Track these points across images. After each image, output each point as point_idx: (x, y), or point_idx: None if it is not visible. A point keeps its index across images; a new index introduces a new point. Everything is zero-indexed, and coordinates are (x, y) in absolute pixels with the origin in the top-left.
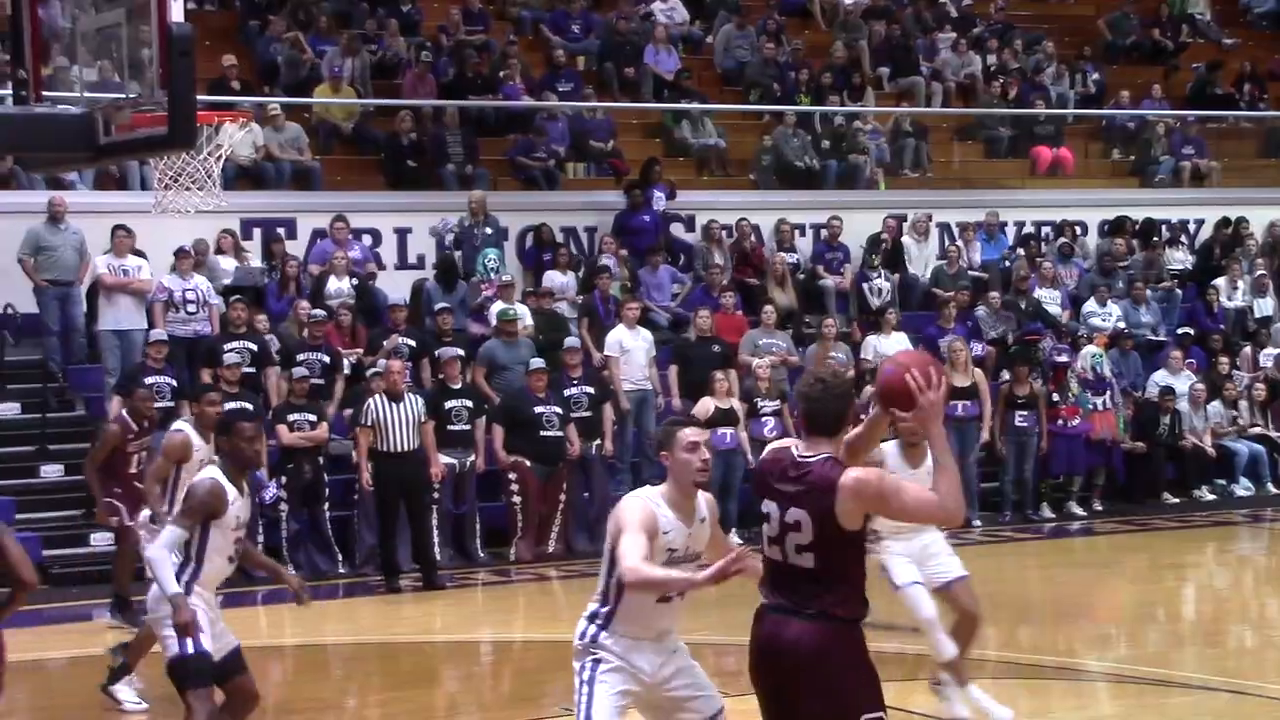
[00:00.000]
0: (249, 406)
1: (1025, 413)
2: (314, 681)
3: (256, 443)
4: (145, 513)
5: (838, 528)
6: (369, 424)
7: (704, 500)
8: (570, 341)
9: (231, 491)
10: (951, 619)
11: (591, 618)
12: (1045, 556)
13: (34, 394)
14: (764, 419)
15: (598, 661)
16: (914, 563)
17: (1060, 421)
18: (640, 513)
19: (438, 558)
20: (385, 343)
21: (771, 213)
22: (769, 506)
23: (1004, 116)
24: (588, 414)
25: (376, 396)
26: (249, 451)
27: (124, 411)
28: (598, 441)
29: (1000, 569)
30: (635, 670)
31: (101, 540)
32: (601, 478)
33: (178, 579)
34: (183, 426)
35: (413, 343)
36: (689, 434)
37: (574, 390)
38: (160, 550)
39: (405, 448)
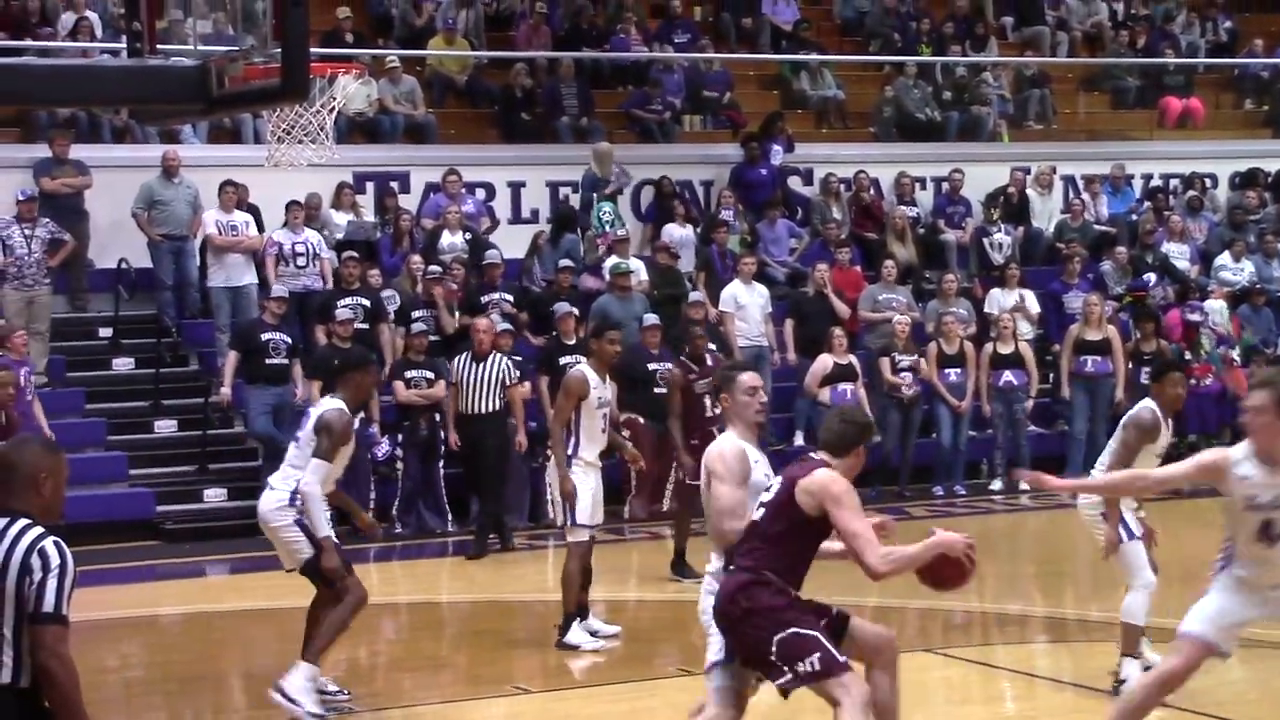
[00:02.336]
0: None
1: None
2: (429, 639)
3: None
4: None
5: (794, 502)
6: (452, 383)
7: None
8: (695, 296)
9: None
10: None
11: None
12: (1171, 518)
13: (148, 349)
14: (902, 374)
15: None
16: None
17: (1194, 381)
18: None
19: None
20: (484, 299)
21: (892, 166)
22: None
23: (1132, 66)
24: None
25: (461, 356)
26: (366, 394)
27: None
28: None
29: None
30: None
31: (215, 497)
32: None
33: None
34: (582, 366)
35: (510, 298)
36: (748, 378)
37: (655, 366)
38: (314, 487)
39: (486, 409)
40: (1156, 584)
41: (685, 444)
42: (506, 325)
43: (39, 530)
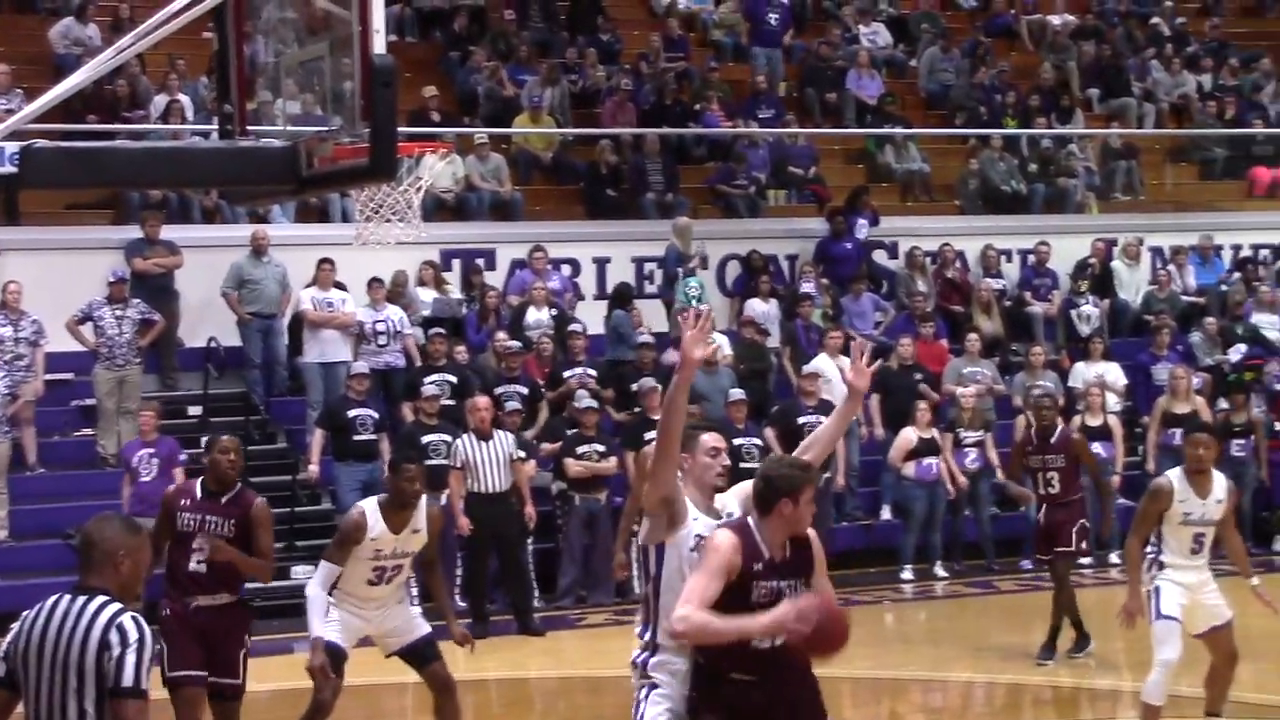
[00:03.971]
0: (446, 439)
1: (1242, 441)
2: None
3: (417, 483)
4: None
5: None
6: (459, 465)
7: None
8: (811, 367)
9: (378, 526)
10: (1211, 661)
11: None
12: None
13: (237, 427)
14: (966, 449)
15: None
16: (1187, 594)
17: None
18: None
19: (534, 602)
20: (567, 374)
21: (977, 239)
22: None
23: (1220, 137)
24: None
25: (466, 436)
26: (409, 491)
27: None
28: (828, 475)
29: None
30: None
31: (303, 573)
32: (826, 513)
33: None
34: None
35: (594, 373)
36: (709, 439)
37: (808, 418)
38: (315, 589)
39: (495, 488)
40: (1174, 664)
41: None
42: (517, 405)
43: (117, 606)
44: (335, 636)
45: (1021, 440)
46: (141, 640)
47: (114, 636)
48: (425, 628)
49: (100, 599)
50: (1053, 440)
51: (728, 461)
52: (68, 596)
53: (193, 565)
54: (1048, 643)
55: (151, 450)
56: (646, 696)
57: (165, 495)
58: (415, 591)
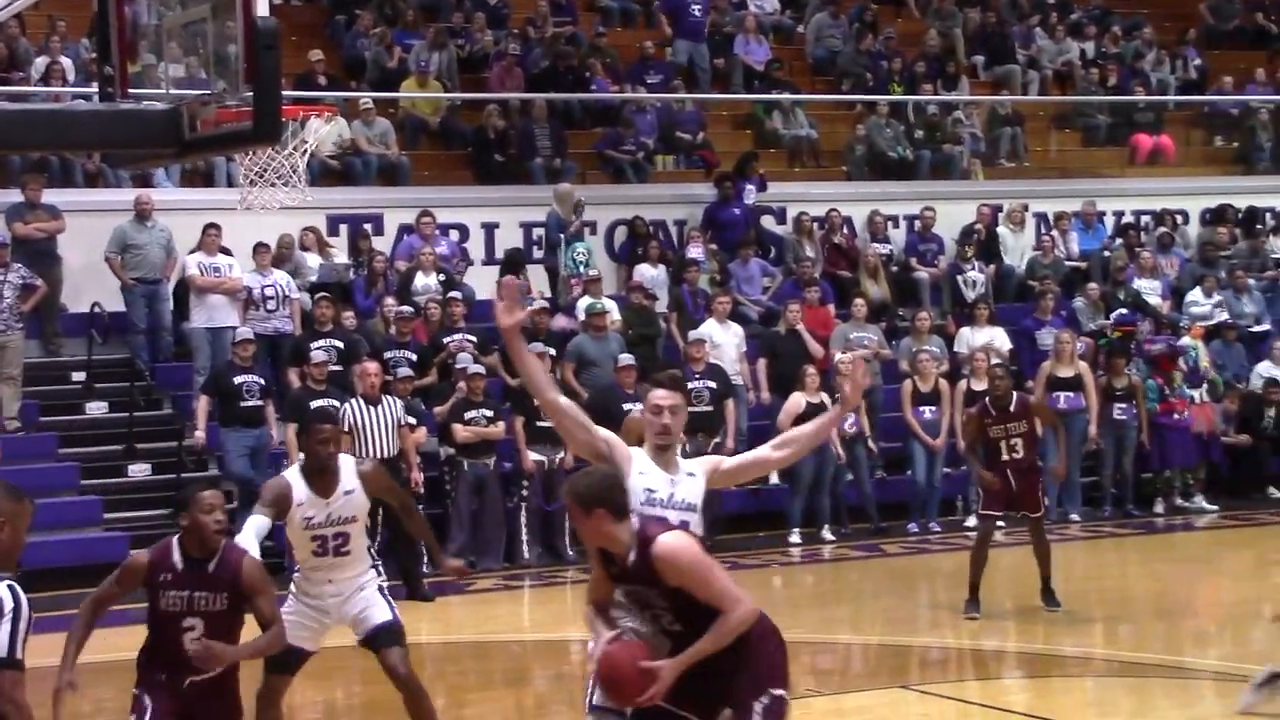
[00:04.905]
0: (334, 404)
1: (1124, 405)
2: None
3: (331, 444)
4: None
5: None
6: (346, 430)
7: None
8: (698, 332)
9: (302, 493)
10: None
11: None
12: (1146, 552)
13: (121, 393)
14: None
15: None
16: None
17: (1175, 415)
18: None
19: (423, 567)
20: (447, 339)
21: (864, 204)
22: None
23: (1102, 104)
24: (708, 408)
25: (354, 401)
26: (323, 453)
27: None
28: (718, 439)
29: (1101, 564)
30: None
31: None
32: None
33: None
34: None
35: (474, 338)
36: (655, 396)
37: (696, 384)
38: (246, 535)
39: (383, 454)
40: None
41: None
42: (408, 371)
43: None
44: (295, 637)
45: (977, 411)
46: (17, 609)
47: None
48: (385, 613)
49: None
50: (1011, 408)
51: (669, 420)
52: None
53: (189, 644)
54: (1046, 590)
55: None
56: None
57: (134, 563)
58: (382, 576)
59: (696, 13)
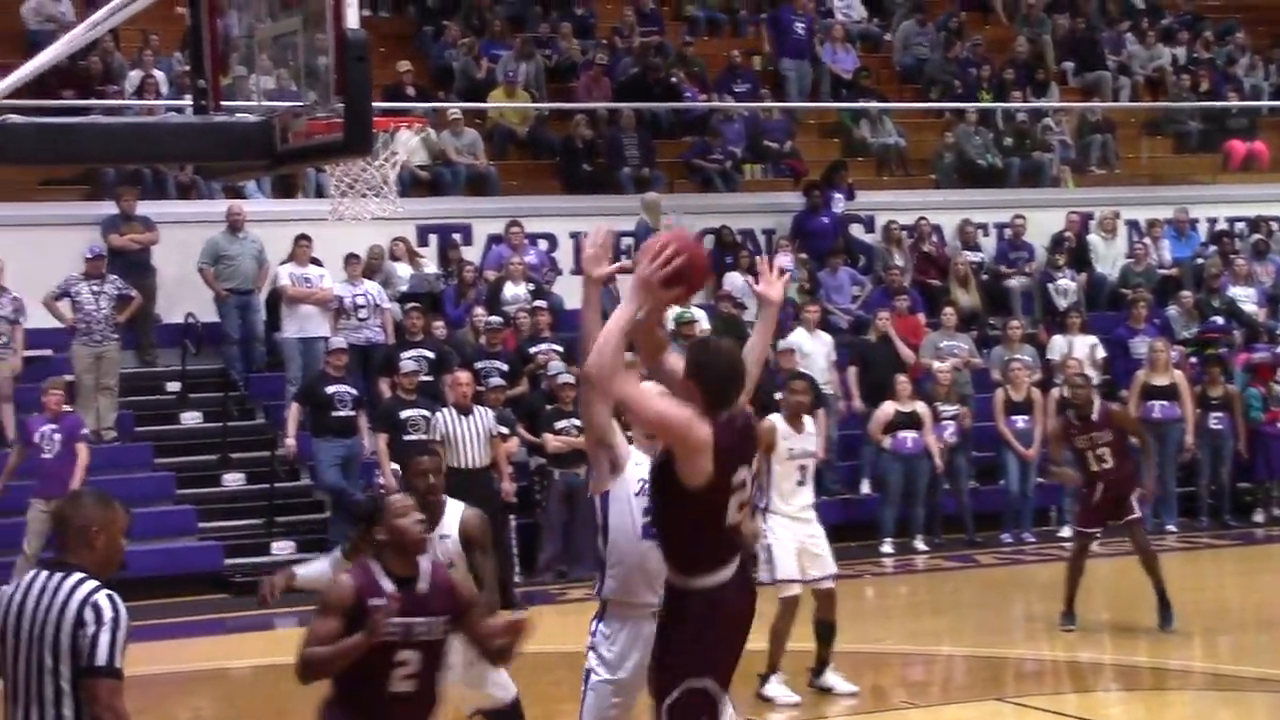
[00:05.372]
0: (425, 414)
1: (1219, 414)
2: None
3: (432, 475)
4: None
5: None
6: (438, 439)
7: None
8: (787, 341)
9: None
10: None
11: None
12: (1245, 563)
13: (215, 403)
14: (944, 423)
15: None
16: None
17: (1278, 424)
18: None
19: (515, 577)
20: (534, 350)
21: (953, 212)
22: (744, 473)
23: (1195, 110)
24: None
25: (445, 410)
26: (422, 485)
27: None
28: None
29: (1198, 575)
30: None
31: (283, 549)
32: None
33: None
34: (773, 416)
35: (560, 348)
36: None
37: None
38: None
39: (474, 464)
40: None
41: None
42: (499, 381)
43: (93, 584)
44: None
45: (1061, 424)
46: (116, 618)
47: (89, 614)
48: (506, 690)
49: (77, 575)
50: (1094, 417)
51: None
52: (45, 572)
53: (397, 685)
54: (1162, 607)
55: (55, 426)
56: (585, 681)
57: (339, 591)
58: None
59: (800, 30)
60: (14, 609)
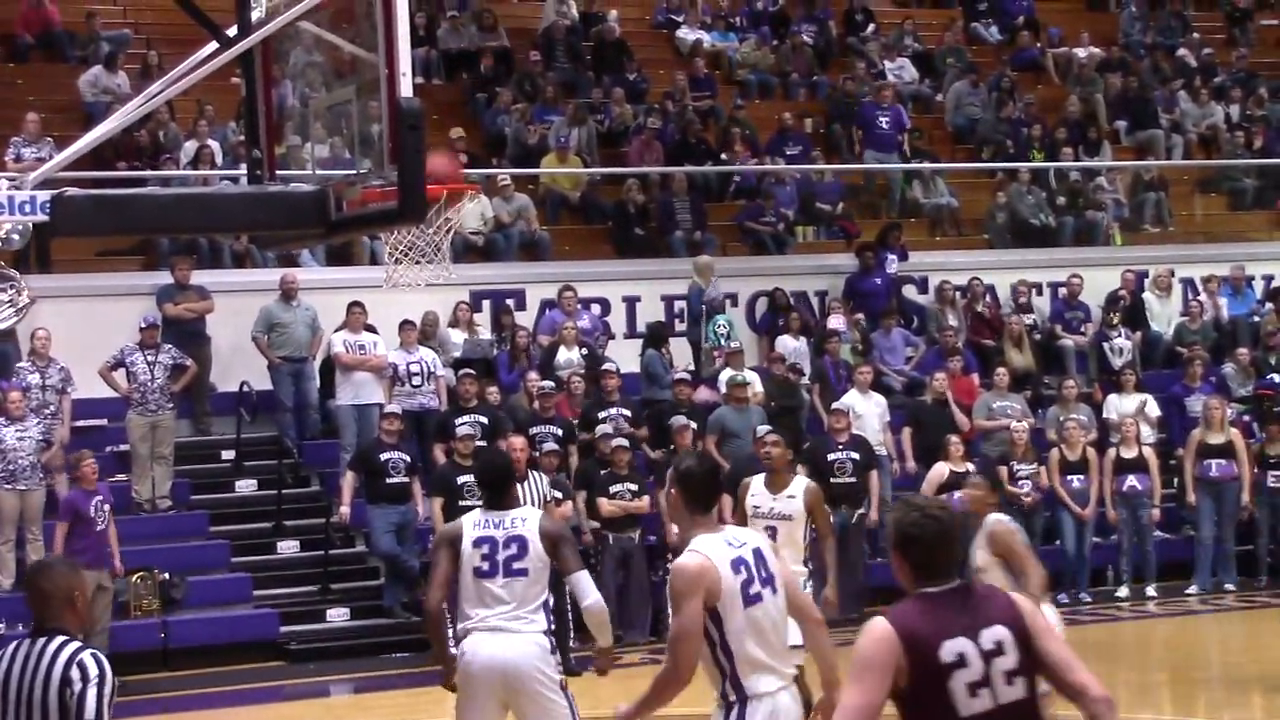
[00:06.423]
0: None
1: (1278, 472)
2: None
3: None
4: None
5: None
6: None
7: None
8: (841, 403)
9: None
10: None
11: None
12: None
13: (270, 470)
14: (1021, 482)
15: None
16: None
17: None
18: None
19: (570, 641)
20: (602, 415)
21: (1006, 272)
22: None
23: (1249, 167)
24: (851, 479)
25: None
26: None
27: None
28: (861, 510)
29: (1258, 635)
30: None
31: (338, 616)
32: (857, 549)
33: None
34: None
35: (628, 412)
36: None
37: (838, 455)
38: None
39: None
40: None
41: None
42: (553, 446)
43: (76, 644)
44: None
45: None
46: (102, 675)
47: (74, 673)
48: None
49: (60, 639)
50: None
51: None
52: (28, 640)
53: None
54: None
55: (102, 497)
56: None
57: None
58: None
59: (884, 124)
60: (0, 675)
